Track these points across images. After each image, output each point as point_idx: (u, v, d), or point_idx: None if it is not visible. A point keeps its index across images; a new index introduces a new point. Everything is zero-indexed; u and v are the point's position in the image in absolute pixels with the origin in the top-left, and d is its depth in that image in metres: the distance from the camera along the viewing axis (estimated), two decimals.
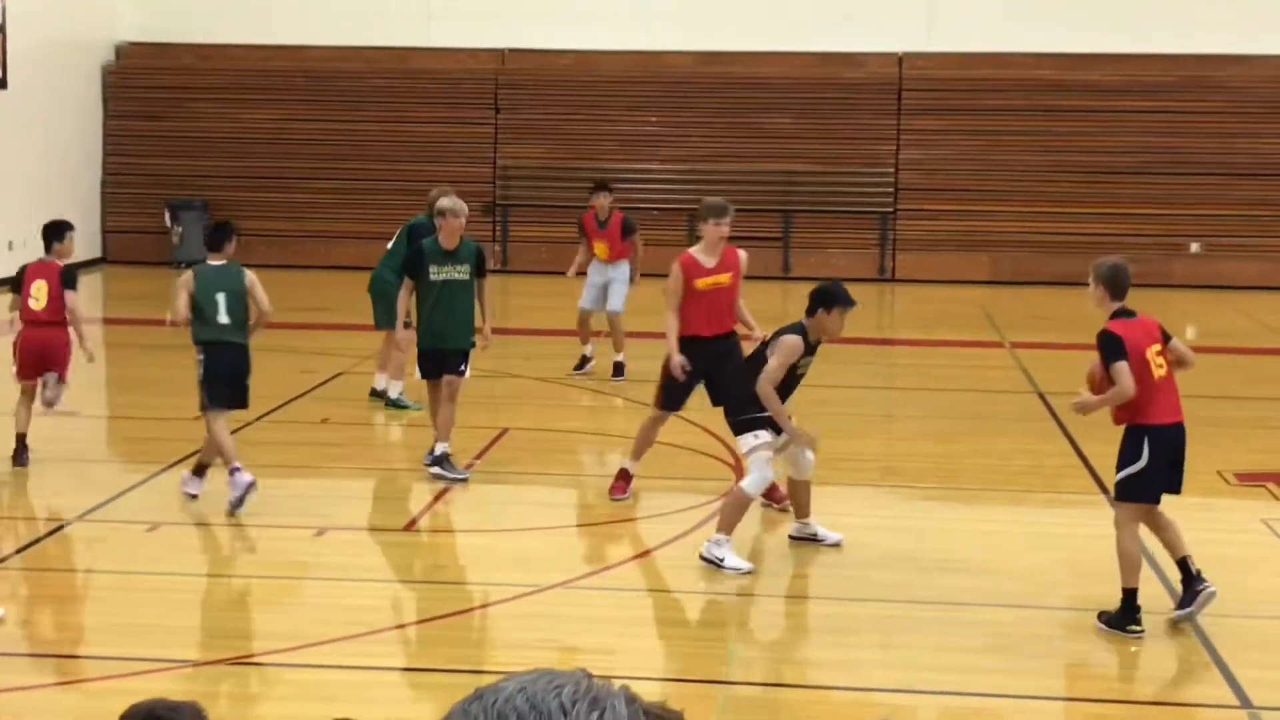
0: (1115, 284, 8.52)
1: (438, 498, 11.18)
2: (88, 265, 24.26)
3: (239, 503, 10.53)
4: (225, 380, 10.81)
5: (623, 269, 15.85)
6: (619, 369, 15.80)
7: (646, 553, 10.10)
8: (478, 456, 12.49)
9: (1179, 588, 8.72)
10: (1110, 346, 8.32)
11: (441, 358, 11.52)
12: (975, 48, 25.58)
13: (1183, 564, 8.61)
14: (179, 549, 10.17)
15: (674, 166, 25.56)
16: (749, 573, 9.46)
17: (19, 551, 10.01)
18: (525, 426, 13.67)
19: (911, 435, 13.94)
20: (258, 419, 13.68)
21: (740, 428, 9.67)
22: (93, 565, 9.86)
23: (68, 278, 12.06)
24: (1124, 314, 8.48)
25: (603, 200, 15.90)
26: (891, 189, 25.63)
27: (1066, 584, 9.52)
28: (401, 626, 8.67)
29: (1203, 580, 8.52)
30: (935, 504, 11.46)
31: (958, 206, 25.38)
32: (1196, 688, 7.89)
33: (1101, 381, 8.47)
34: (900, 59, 25.78)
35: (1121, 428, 8.57)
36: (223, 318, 10.79)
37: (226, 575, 9.50)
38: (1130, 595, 8.38)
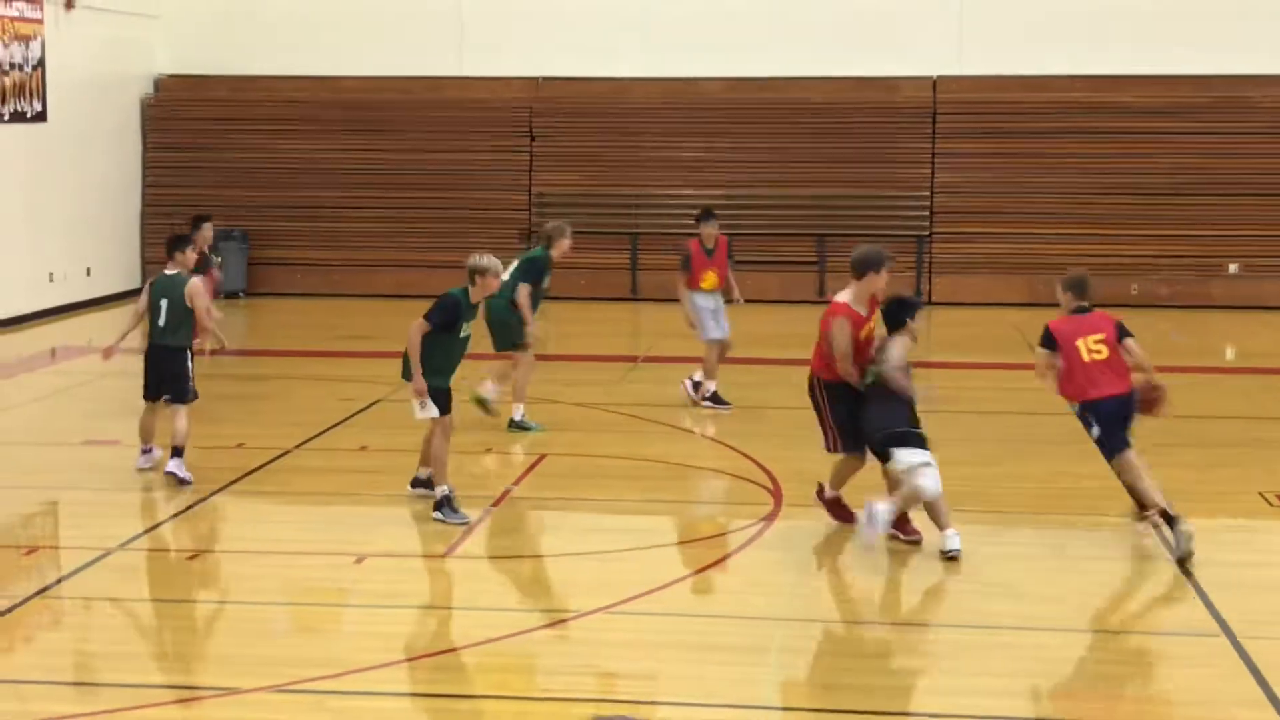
0: (1077, 289, 10.50)
1: (477, 523, 11.20)
2: (128, 295, 24.43)
3: (148, 468, 12.46)
4: (156, 377, 12.45)
5: (719, 296, 15.79)
6: (718, 398, 15.66)
7: (687, 577, 10.10)
8: (515, 482, 12.52)
9: (1206, 597, 8.76)
10: (1042, 336, 10.52)
11: (446, 395, 11.38)
12: (1008, 70, 25.55)
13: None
14: (219, 577, 10.23)
15: (708, 192, 25.51)
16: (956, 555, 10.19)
17: (61, 580, 10.08)
18: (563, 452, 13.69)
19: (949, 459, 13.80)
20: (297, 446, 13.76)
21: (887, 444, 10.43)
22: (133, 594, 9.92)
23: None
24: (1077, 311, 10.46)
25: (710, 229, 15.59)
26: (927, 212, 25.60)
27: (1107, 607, 9.49)
28: (442, 653, 8.69)
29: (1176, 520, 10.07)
30: (974, 528, 11.40)
31: (993, 229, 25.33)
32: (1238, 710, 7.84)
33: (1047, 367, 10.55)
34: (934, 83, 25.78)
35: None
36: (161, 321, 12.38)
37: (266, 603, 9.54)
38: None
